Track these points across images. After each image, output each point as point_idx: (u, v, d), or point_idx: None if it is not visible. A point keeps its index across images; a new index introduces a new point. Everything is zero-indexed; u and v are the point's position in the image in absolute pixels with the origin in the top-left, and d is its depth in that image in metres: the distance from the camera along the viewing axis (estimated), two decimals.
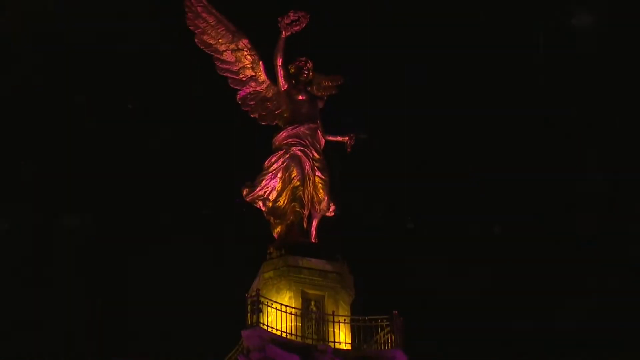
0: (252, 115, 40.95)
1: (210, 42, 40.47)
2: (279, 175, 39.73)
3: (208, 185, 55.95)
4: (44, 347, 59.54)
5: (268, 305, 36.36)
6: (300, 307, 37.36)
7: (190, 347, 45.94)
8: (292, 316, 36.79)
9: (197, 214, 57.70)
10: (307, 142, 39.88)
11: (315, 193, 39.85)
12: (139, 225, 63.14)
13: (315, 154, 39.95)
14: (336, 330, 37.26)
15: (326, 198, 39.86)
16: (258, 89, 40.80)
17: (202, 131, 59.31)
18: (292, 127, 40.05)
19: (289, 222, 39.64)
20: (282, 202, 39.83)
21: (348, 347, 37.20)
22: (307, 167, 39.60)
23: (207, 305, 49.00)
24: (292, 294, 37.74)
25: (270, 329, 36.11)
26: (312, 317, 37.43)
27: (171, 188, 62.22)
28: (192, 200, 59.08)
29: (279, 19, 40.35)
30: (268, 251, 38.95)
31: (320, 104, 40.86)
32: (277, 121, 40.77)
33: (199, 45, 40.59)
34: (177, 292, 55.96)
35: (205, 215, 55.92)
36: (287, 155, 39.70)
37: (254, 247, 42.02)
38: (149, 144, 63.69)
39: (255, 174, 40.57)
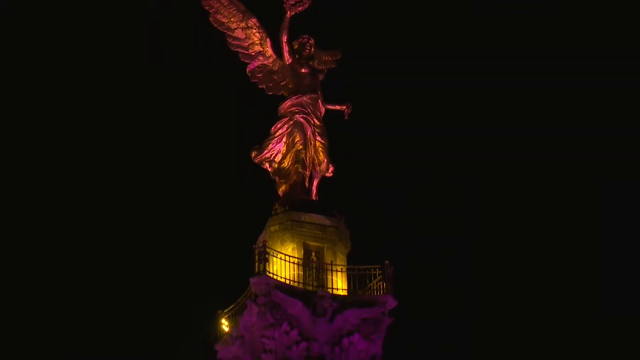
0: (260, 86, 43.89)
1: (223, 20, 43.30)
2: (284, 139, 42.62)
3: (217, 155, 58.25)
4: None
5: (273, 256, 39.53)
6: (302, 257, 40.35)
7: (203, 294, 47.55)
8: (295, 265, 39.88)
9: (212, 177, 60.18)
10: (309, 110, 42.69)
11: (316, 156, 42.73)
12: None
13: (316, 121, 42.74)
14: (334, 278, 40.26)
15: (326, 160, 42.71)
16: (265, 62, 43.63)
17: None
18: (296, 97, 42.87)
19: (292, 181, 42.54)
20: (286, 163, 42.70)
21: (344, 293, 40.05)
22: (308, 133, 42.52)
23: (219, 256, 50.95)
24: (295, 246, 40.72)
25: (275, 277, 39.18)
26: (313, 266, 40.36)
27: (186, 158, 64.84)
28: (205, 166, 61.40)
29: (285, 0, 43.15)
30: (274, 207, 41.88)
31: (321, 77, 43.87)
32: (282, 91, 43.57)
33: (213, 23, 43.31)
34: (192, 246, 58.97)
35: (218, 177, 58.17)
36: (291, 122, 42.59)
37: (259, 204, 44.54)
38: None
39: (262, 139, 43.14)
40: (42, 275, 69.66)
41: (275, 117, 43.63)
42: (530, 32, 73.56)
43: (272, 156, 43.09)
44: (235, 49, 43.87)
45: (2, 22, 74.42)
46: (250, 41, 43.63)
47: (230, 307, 41.81)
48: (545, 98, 74.36)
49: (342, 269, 40.68)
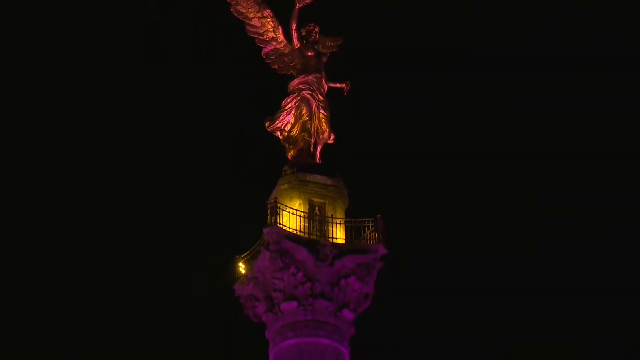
0: (272, 67, 47.73)
1: (242, 10, 47.10)
2: (293, 112, 46.30)
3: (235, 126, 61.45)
4: None
5: (283, 210, 43.21)
6: (307, 211, 43.98)
7: (224, 242, 50.13)
8: (301, 218, 43.54)
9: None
10: (314, 87, 46.40)
11: (320, 126, 46.44)
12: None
13: (320, 96, 46.50)
14: (334, 229, 43.88)
15: (328, 129, 46.43)
16: (277, 47, 47.66)
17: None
18: (303, 76, 46.63)
19: (299, 147, 46.21)
20: (294, 132, 46.33)
21: (343, 242, 43.68)
22: (313, 106, 46.25)
23: (238, 210, 53.90)
24: (301, 201, 44.32)
25: (284, 228, 42.77)
26: (316, 219, 43.96)
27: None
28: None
29: None
30: (283, 169, 45.43)
31: (324, 59, 47.68)
32: (291, 71, 47.33)
33: (234, 13, 47.20)
34: (217, 203, 63.23)
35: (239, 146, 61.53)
36: (299, 97, 46.29)
37: (271, 167, 47.26)
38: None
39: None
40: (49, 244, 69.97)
41: (285, 93, 46.88)
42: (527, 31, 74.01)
43: (283, 126, 46.56)
44: (252, 35, 47.61)
45: (2, 22, 74.11)
46: (264, 29, 47.38)
47: (246, 253, 44.68)
48: (546, 92, 74.68)
49: (341, 221, 44.19)
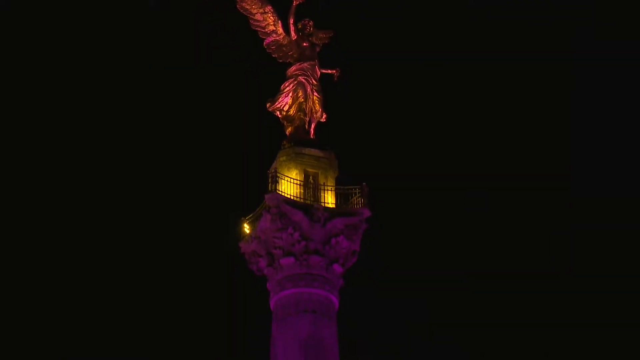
0: (273, 55, 49.48)
1: (247, 7, 48.98)
2: (290, 94, 48.12)
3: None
4: None
5: (282, 179, 45.30)
6: (302, 180, 45.96)
7: (232, 207, 50.21)
8: (298, 186, 45.60)
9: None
10: (309, 73, 48.37)
11: (313, 106, 48.25)
12: None
13: (314, 81, 48.44)
14: (326, 195, 46.07)
15: (320, 109, 48.26)
16: (277, 38, 49.50)
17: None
18: (299, 63, 48.56)
19: (296, 125, 48.19)
20: (292, 112, 48.13)
21: (333, 206, 45.87)
22: (308, 89, 48.14)
23: (243, 178, 54.58)
24: (297, 171, 46.20)
25: (283, 194, 44.90)
26: (310, 186, 45.98)
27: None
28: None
29: None
30: (282, 144, 47.40)
31: (317, 49, 49.46)
32: (289, 59, 49.15)
33: (240, 9, 49.19)
34: (224, 173, 64.08)
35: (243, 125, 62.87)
36: (296, 82, 48.18)
37: (271, 142, 48.85)
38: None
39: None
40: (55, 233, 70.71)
41: (284, 78, 48.96)
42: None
43: (282, 106, 48.33)
44: (255, 28, 49.46)
45: (2, 22, 73.12)
46: (266, 23, 49.31)
47: (250, 215, 46.78)
48: None
49: (331, 188, 46.36)
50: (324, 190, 46.37)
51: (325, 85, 49.43)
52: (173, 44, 74.50)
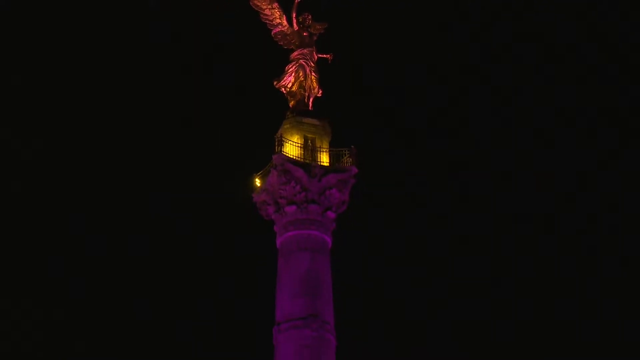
0: (279, 43, 52.60)
1: (258, 4, 52.51)
2: (293, 74, 51.51)
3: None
4: None
5: (286, 142, 48.95)
6: (303, 143, 49.33)
7: (246, 164, 52.33)
8: (299, 148, 49.04)
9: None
10: (308, 57, 51.62)
11: (311, 84, 51.47)
12: None
13: (312, 64, 51.63)
14: (321, 156, 49.56)
15: (317, 86, 51.62)
16: (282, 29, 52.78)
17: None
18: (300, 49, 51.93)
19: (297, 99, 51.37)
20: (294, 88, 51.46)
21: (327, 164, 49.29)
22: (307, 70, 51.50)
23: (255, 142, 56.94)
24: (298, 136, 49.64)
25: (287, 155, 48.55)
26: (309, 148, 49.31)
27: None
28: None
29: None
30: (286, 114, 50.66)
31: (315, 37, 52.52)
32: (292, 46, 52.46)
33: (253, 7, 52.54)
34: (240, 137, 67.02)
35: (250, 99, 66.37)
36: (297, 64, 51.57)
37: (278, 113, 51.69)
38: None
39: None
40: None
41: (288, 61, 52.12)
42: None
43: (286, 84, 51.54)
44: (264, 21, 52.55)
45: (2, 22, 71.23)
46: (273, 17, 52.56)
47: (261, 171, 49.81)
48: None
49: (326, 150, 49.75)
50: (320, 151, 49.53)
51: (321, 67, 52.51)
52: (173, 44, 74.50)
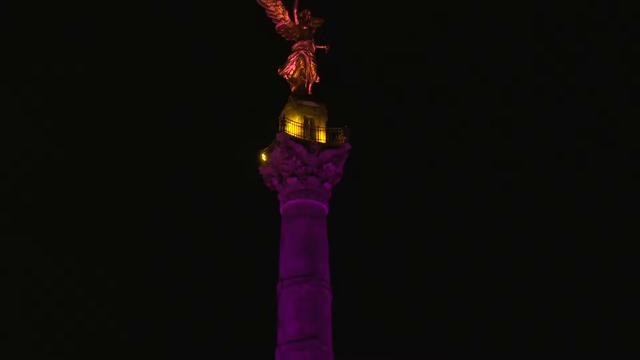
0: (282, 36, 55.77)
1: (264, 1, 55.49)
2: (294, 63, 54.86)
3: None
4: None
5: (288, 122, 52.31)
6: (303, 123, 52.67)
7: (253, 141, 54.83)
8: (299, 127, 52.46)
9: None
10: (307, 48, 54.65)
11: (310, 72, 54.79)
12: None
13: (311, 54, 54.74)
14: (319, 134, 52.92)
15: (315, 74, 54.77)
16: (285, 23, 55.81)
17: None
18: (300, 41, 55.07)
19: (298, 84, 54.69)
20: (295, 75, 54.82)
21: (324, 141, 52.73)
22: (307, 59, 54.76)
23: (261, 121, 58.40)
24: (299, 117, 52.87)
25: (289, 133, 51.99)
26: (308, 128, 52.64)
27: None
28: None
29: None
30: (289, 97, 53.99)
31: (313, 31, 55.55)
32: (293, 39, 55.59)
33: (259, 3, 55.42)
34: (249, 117, 70.36)
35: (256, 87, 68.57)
36: (298, 54, 54.92)
37: (282, 96, 54.35)
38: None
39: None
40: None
41: (290, 52, 55.35)
42: None
43: (288, 72, 54.92)
44: (270, 16, 55.49)
45: (2, 31, 72.29)
46: (277, 12, 55.54)
47: (266, 147, 53.28)
48: None
49: (323, 129, 53.01)
50: (318, 130, 53.15)
51: (319, 56, 56.01)
52: (173, 44, 75.57)
